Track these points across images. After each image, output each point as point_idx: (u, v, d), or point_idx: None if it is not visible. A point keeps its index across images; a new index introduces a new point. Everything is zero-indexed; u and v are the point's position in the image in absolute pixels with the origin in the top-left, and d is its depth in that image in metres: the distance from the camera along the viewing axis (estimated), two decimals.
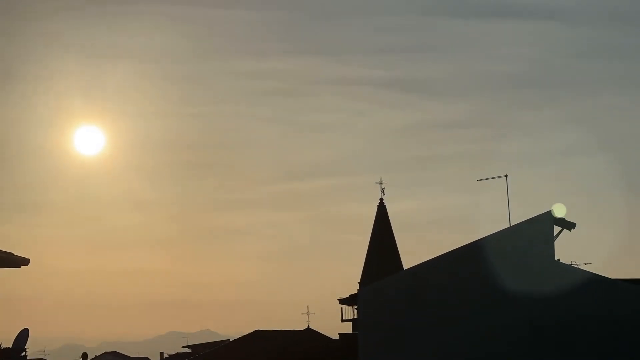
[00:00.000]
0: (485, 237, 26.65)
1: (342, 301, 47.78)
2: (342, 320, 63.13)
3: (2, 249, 23.54)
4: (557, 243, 26.38)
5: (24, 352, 33.45)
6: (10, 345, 32.89)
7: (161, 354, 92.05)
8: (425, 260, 27.28)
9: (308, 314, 64.11)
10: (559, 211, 25.73)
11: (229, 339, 66.54)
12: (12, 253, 23.55)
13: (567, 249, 28.57)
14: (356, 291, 32.38)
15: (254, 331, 56.65)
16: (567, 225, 26.50)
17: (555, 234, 26.33)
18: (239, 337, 58.92)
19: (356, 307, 45.13)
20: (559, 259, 26.55)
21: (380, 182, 68.44)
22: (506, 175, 30.11)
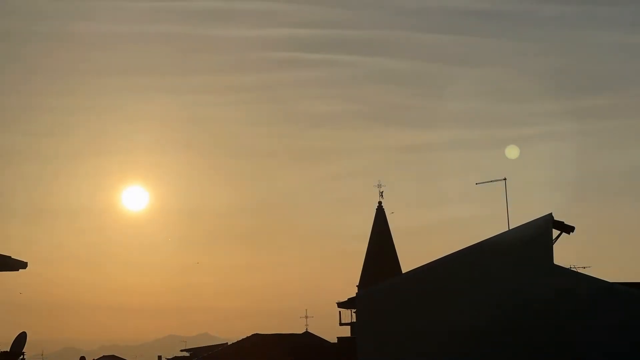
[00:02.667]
0: (484, 240, 26.63)
1: (341, 305, 47.54)
2: (341, 324, 62.88)
3: (0, 253, 23.48)
4: (556, 246, 26.38)
5: (22, 356, 33.44)
6: (8, 349, 32.86)
7: (159, 357, 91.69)
8: (423, 263, 27.28)
9: (306, 317, 64.12)
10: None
11: (227, 343, 66.46)
12: (10, 257, 23.48)
13: (565, 253, 28.58)
14: (355, 294, 32.31)
15: (252, 335, 56.71)
16: (566, 228, 26.48)
17: (554, 237, 26.32)
18: (237, 341, 58.95)
19: (355, 310, 45.04)
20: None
21: (379, 186, 68.31)
22: (505, 179, 30.13)
